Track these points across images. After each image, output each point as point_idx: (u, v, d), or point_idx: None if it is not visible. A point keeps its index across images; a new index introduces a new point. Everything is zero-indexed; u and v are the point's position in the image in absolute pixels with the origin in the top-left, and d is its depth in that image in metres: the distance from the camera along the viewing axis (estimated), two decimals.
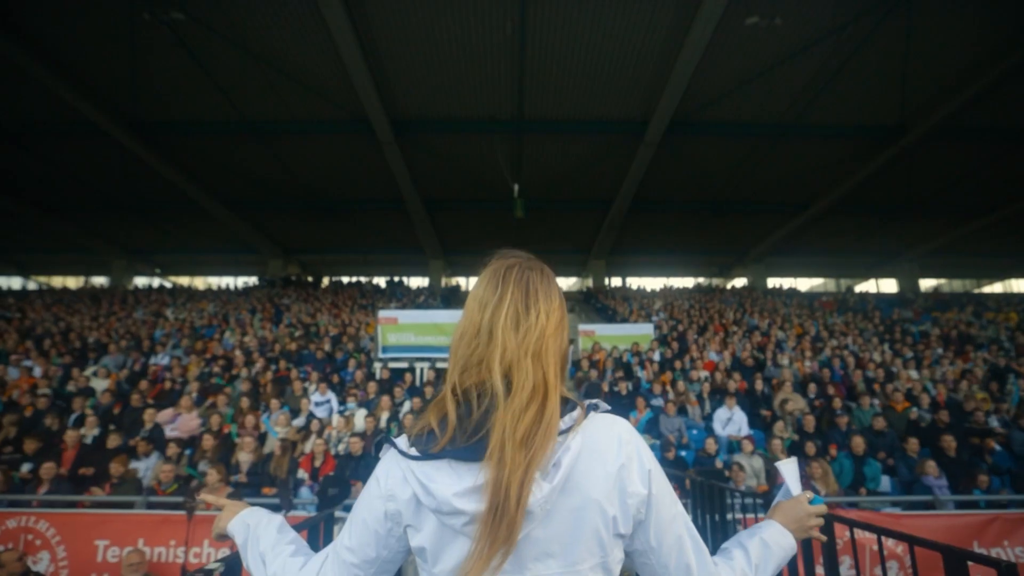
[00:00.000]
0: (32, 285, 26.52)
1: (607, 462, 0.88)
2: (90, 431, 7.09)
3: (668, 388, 8.93)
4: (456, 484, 0.84)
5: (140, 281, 23.82)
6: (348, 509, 3.66)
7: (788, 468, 1.25)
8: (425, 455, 0.87)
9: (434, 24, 9.90)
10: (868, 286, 27.48)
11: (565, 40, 10.34)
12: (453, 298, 19.05)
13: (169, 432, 7.28)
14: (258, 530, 1.07)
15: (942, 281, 28.47)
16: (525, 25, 9.92)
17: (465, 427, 0.86)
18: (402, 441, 0.92)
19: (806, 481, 6.16)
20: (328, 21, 9.27)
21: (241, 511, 1.15)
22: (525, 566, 0.85)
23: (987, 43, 10.07)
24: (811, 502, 1.16)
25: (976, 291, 26.57)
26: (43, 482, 5.45)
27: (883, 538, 2.37)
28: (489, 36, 10.25)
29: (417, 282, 23.17)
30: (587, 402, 0.93)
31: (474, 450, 0.85)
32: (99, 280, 24.97)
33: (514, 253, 1.05)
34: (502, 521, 0.80)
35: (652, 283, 23.98)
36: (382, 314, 10.91)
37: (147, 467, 6.47)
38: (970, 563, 1.71)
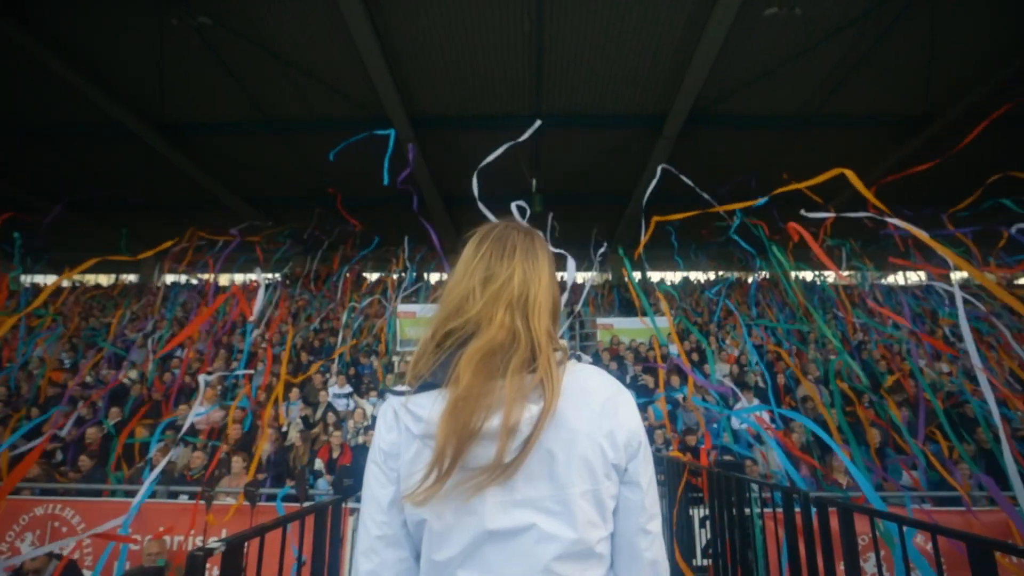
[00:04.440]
0: (65, 283, 27.27)
1: (591, 399, 0.94)
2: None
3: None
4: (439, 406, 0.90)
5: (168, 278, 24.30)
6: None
7: None
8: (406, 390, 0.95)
9: (452, 22, 9.90)
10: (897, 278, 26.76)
11: (582, 35, 10.24)
12: None
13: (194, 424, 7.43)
14: None
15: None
16: (542, 21, 9.85)
17: (437, 361, 0.94)
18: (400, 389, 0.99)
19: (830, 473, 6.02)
20: (348, 22, 9.33)
21: None
22: (515, 488, 0.89)
23: (1019, 24, 9.69)
24: None
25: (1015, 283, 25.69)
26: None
27: (908, 535, 2.29)
28: (507, 33, 10.22)
29: (435, 277, 23.20)
30: (569, 352, 0.99)
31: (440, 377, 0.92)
32: (129, 277, 25.60)
33: (506, 220, 1.09)
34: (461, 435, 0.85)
35: (672, 277, 23.68)
36: (400, 308, 10.97)
37: (175, 455, 6.62)
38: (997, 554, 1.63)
